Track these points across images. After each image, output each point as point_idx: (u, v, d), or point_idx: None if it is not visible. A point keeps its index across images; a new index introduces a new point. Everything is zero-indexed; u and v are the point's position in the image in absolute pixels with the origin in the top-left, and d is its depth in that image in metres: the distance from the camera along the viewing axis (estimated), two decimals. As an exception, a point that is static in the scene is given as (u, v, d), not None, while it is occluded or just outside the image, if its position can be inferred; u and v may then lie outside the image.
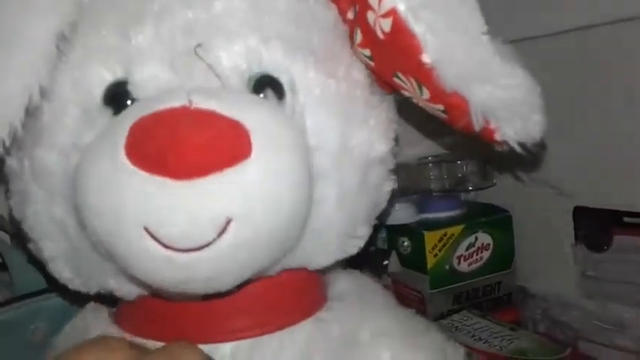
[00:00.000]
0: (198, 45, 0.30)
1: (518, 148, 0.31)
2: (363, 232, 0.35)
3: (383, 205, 0.36)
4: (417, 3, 0.29)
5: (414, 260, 0.55)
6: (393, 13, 0.29)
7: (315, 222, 0.31)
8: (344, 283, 0.38)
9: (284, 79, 0.31)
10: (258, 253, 0.29)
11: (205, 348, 0.31)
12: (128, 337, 0.32)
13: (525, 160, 0.39)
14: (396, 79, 0.32)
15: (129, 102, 0.30)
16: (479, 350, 0.47)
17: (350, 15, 0.34)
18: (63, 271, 0.33)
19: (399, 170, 0.37)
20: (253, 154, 0.27)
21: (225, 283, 0.29)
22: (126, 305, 0.34)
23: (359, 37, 0.32)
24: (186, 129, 0.26)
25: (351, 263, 0.38)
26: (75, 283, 0.34)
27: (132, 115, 0.27)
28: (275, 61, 0.31)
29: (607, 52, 0.48)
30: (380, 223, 0.39)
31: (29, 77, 0.30)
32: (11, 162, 0.33)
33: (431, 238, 0.54)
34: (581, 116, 0.50)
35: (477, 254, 0.55)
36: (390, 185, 0.36)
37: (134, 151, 0.26)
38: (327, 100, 0.31)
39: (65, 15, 0.30)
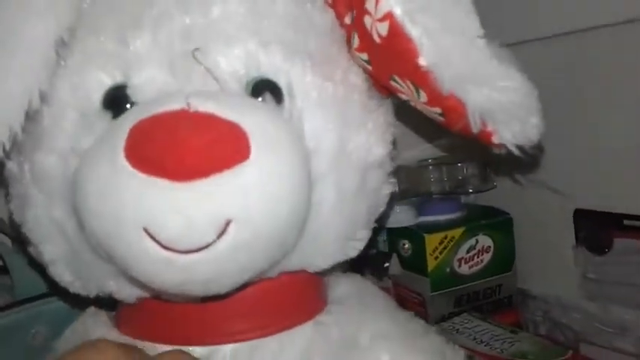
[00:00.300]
0: (196, 49, 0.30)
1: (516, 151, 0.31)
2: (363, 235, 0.35)
3: (382, 208, 0.36)
4: (413, 7, 0.29)
5: (415, 263, 0.55)
6: (389, 16, 0.29)
7: (314, 225, 0.31)
8: (344, 287, 0.38)
9: (282, 83, 0.31)
10: (258, 254, 0.29)
11: (205, 350, 0.32)
12: (128, 340, 0.32)
13: (526, 162, 0.39)
14: (393, 83, 0.32)
15: (128, 106, 0.30)
16: (480, 353, 0.47)
17: (347, 20, 0.34)
18: (63, 274, 0.33)
19: (399, 173, 0.37)
20: (252, 156, 0.27)
21: (225, 285, 0.29)
22: (126, 308, 0.35)
23: (356, 41, 0.33)
24: (185, 131, 0.27)
25: (352, 266, 0.38)
26: (75, 286, 0.34)
27: (131, 118, 0.28)
28: (273, 66, 0.31)
29: (606, 54, 0.48)
30: (380, 226, 0.39)
31: (29, 79, 0.30)
32: (11, 166, 0.33)
33: (431, 240, 0.54)
34: (581, 119, 0.50)
35: (478, 257, 0.55)
36: (389, 188, 0.36)
37: (133, 154, 0.26)
38: (325, 103, 0.31)
39: (63, 18, 0.31)
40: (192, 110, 0.27)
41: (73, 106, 0.31)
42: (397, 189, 0.37)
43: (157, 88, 0.30)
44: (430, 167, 0.59)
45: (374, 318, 0.36)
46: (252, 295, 0.32)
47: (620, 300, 0.49)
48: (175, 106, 0.27)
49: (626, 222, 0.48)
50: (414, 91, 0.31)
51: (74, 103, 0.31)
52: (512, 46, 0.31)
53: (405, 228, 0.56)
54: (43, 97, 0.30)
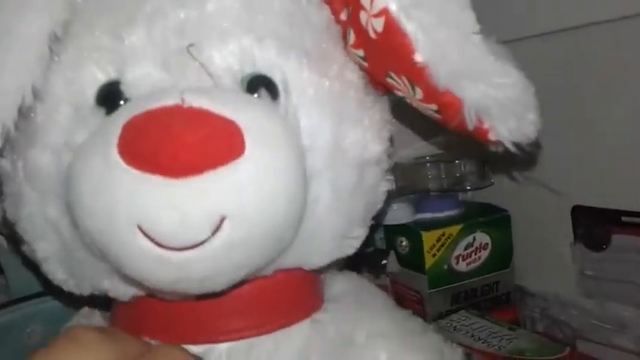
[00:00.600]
0: (191, 44, 0.30)
1: (512, 148, 0.31)
2: (359, 233, 0.35)
3: (379, 205, 0.36)
4: (408, 2, 0.29)
5: (413, 260, 0.55)
6: (384, 12, 0.29)
7: (310, 222, 0.31)
8: (340, 285, 0.38)
9: (277, 79, 0.31)
10: (253, 252, 0.29)
11: (201, 348, 0.31)
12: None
13: (523, 159, 0.39)
14: (389, 79, 0.32)
15: (122, 102, 0.30)
16: (478, 350, 0.47)
17: (343, 16, 0.34)
18: (57, 272, 0.33)
19: (397, 170, 0.37)
20: (247, 152, 0.27)
21: (220, 282, 0.29)
22: (120, 307, 0.34)
23: (352, 37, 0.32)
24: (179, 127, 0.26)
25: (350, 263, 0.38)
26: (69, 285, 0.34)
27: (124, 114, 0.27)
28: (269, 61, 0.31)
29: (604, 51, 0.48)
30: (377, 223, 0.39)
31: (23, 75, 0.30)
32: (4, 164, 0.32)
33: (429, 238, 0.54)
34: (579, 115, 0.50)
35: (476, 254, 0.55)
36: (386, 186, 0.36)
37: (127, 150, 0.26)
38: (321, 99, 0.31)
39: (58, 14, 0.31)
40: (186, 106, 0.27)
41: (67, 101, 0.30)
42: (394, 186, 0.37)
43: (150, 84, 0.30)
44: (428, 164, 0.59)
45: (371, 316, 0.35)
46: (248, 293, 0.32)
47: (618, 297, 0.49)
48: (169, 101, 0.27)
49: (624, 219, 0.48)
50: (409, 87, 0.31)
51: (68, 97, 0.30)
52: (509, 42, 0.31)
53: (403, 225, 0.56)
54: (37, 94, 0.30)
